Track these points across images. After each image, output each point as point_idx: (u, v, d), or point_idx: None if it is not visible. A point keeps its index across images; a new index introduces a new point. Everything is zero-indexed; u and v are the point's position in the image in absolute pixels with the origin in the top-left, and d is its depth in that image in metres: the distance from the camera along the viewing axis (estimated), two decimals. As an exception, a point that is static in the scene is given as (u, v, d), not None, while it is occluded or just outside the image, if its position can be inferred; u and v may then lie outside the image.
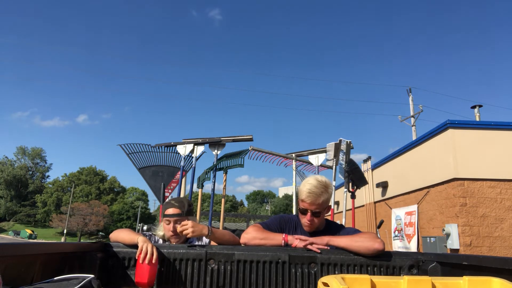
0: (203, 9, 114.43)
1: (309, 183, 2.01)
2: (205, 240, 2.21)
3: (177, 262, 1.75)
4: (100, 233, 51.90)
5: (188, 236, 1.94)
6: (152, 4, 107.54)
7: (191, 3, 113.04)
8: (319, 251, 1.83)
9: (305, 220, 2.03)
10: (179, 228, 1.96)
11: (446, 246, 7.25)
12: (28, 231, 51.22)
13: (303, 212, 2.03)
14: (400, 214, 9.66)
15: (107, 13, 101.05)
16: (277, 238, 1.94)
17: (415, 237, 8.72)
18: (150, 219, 58.81)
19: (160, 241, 2.24)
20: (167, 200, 5.33)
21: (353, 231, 2.04)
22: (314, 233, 2.07)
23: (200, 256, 1.75)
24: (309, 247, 1.85)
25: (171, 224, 2.13)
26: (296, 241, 1.91)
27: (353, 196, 5.23)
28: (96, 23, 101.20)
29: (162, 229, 2.23)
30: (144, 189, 67.29)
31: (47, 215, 58.94)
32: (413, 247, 8.69)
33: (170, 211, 2.17)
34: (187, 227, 1.93)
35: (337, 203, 14.24)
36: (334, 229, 2.09)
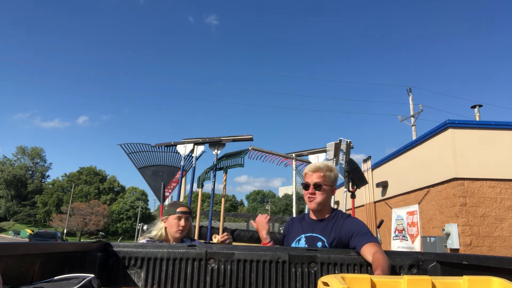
0: (200, 15, 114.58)
1: (313, 163, 2.14)
2: (198, 241, 2.58)
3: (177, 262, 1.75)
4: (100, 232, 51.88)
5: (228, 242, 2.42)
6: (151, 7, 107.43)
7: (188, 9, 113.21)
8: None
9: (307, 194, 2.05)
10: (222, 237, 2.52)
11: (446, 246, 7.25)
12: (28, 231, 51.21)
13: (306, 186, 2.07)
14: (402, 214, 9.64)
15: (106, 16, 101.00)
16: None
17: (419, 237, 8.68)
18: (150, 219, 58.82)
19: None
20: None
21: (356, 224, 1.99)
22: (321, 220, 2.07)
23: (200, 256, 1.75)
24: None
25: (183, 220, 2.45)
26: None
27: (353, 196, 5.23)
28: (97, 27, 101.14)
29: (158, 229, 2.49)
30: (144, 189, 67.33)
31: (47, 215, 58.93)
32: (417, 247, 8.65)
33: (183, 209, 2.49)
34: (229, 236, 2.51)
35: (337, 202, 14.23)
36: (341, 216, 2.07)
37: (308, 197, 2.05)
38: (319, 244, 2.01)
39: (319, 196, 2.03)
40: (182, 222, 2.44)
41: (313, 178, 2.05)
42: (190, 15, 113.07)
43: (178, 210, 2.49)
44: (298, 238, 2.10)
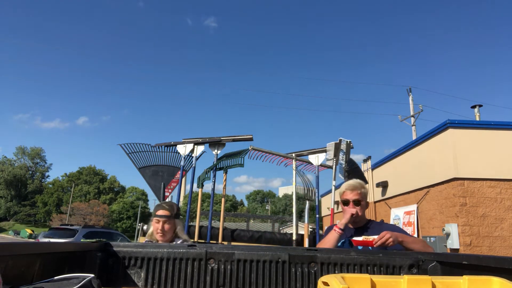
0: (198, 17, 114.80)
1: (347, 182, 2.41)
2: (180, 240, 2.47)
3: (177, 262, 1.75)
4: (100, 232, 51.77)
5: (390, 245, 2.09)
6: (150, 9, 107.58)
7: (186, 12, 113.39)
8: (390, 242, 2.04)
9: (348, 210, 2.33)
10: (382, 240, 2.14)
11: (446, 246, 7.25)
12: (28, 231, 51.27)
13: (346, 202, 2.36)
14: (399, 214, 9.65)
15: (106, 18, 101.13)
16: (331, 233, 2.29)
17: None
18: (150, 219, 58.76)
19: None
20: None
21: (392, 227, 2.34)
22: (359, 228, 2.33)
23: (200, 256, 1.75)
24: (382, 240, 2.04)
25: (160, 224, 2.43)
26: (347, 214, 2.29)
27: (353, 196, 5.22)
28: (97, 28, 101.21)
29: (150, 232, 2.52)
30: (144, 189, 67.36)
31: (47, 215, 58.95)
32: None
33: (160, 212, 2.46)
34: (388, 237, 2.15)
35: (337, 203, 14.21)
36: (376, 224, 2.36)
37: (352, 212, 2.32)
38: (360, 247, 2.18)
39: (359, 211, 2.34)
40: (159, 226, 2.44)
41: (352, 196, 2.36)
42: (189, 18, 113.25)
43: (156, 213, 2.49)
44: (342, 240, 2.32)
